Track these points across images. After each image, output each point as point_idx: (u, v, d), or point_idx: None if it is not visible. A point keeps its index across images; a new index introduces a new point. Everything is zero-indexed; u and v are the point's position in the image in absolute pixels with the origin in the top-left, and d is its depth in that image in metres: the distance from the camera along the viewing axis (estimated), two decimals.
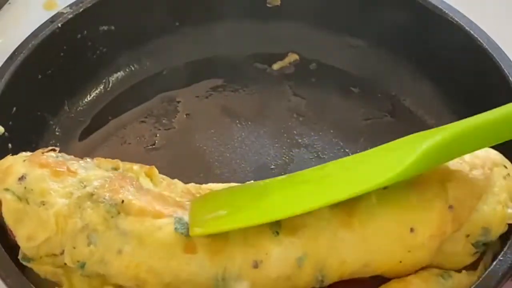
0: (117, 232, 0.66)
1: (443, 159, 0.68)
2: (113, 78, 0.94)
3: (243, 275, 0.66)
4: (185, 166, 0.84)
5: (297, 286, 0.68)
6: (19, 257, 0.69)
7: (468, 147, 0.67)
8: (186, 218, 0.67)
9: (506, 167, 0.71)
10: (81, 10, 0.88)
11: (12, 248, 0.70)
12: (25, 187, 0.68)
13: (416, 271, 0.69)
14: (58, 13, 0.87)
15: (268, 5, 0.95)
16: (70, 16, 0.87)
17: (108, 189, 0.68)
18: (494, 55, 0.81)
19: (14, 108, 0.82)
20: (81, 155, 0.81)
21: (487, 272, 0.66)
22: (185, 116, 0.91)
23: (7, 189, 0.69)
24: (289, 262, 0.67)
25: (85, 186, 0.69)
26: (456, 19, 0.85)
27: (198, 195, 0.71)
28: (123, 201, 0.67)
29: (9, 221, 0.68)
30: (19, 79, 0.82)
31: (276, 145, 0.87)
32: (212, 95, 0.93)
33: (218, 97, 0.92)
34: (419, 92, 0.91)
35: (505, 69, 0.79)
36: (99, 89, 0.93)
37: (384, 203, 0.68)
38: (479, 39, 0.83)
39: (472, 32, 0.83)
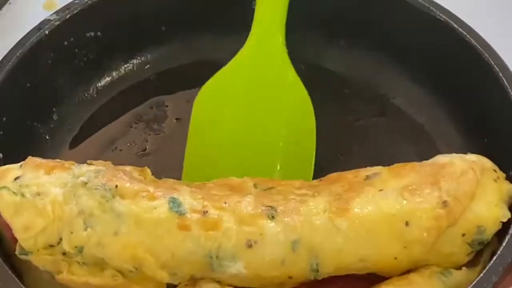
0: (113, 214, 0.67)
1: None
2: (101, 85, 0.93)
3: (238, 254, 0.67)
4: (176, 170, 0.84)
5: (292, 273, 0.68)
6: (16, 252, 0.69)
7: None
8: (180, 198, 0.68)
9: (495, 171, 0.73)
10: (68, 16, 0.87)
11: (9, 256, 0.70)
12: (20, 184, 0.69)
13: (415, 270, 0.70)
14: (45, 20, 0.86)
15: (254, 7, 0.95)
16: (57, 23, 0.86)
17: (101, 178, 0.69)
18: (484, 52, 0.81)
19: (4, 118, 0.81)
20: None
21: (486, 269, 0.67)
22: (175, 120, 0.91)
23: (3, 187, 0.70)
24: (283, 244, 0.67)
25: (78, 177, 0.70)
26: (445, 17, 0.85)
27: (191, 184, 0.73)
28: (117, 185, 0.68)
29: (6, 214, 0.69)
30: (8, 88, 0.81)
31: None
32: None
33: None
34: (409, 90, 0.91)
35: (495, 66, 0.80)
36: (87, 96, 0.92)
37: (380, 199, 0.69)
38: (468, 36, 0.83)
39: (461, 30, 0.83)
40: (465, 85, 0.85)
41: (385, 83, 0.92)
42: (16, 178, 0.70)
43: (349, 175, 0.74)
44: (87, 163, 0.73)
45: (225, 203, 0.69)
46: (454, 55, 0.85)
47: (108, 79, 0.94)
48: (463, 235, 0.69)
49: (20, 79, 0.83)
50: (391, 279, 0.70)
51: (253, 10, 0.94)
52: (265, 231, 0.67)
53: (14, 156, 0.80)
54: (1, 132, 0.80)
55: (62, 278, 0.69)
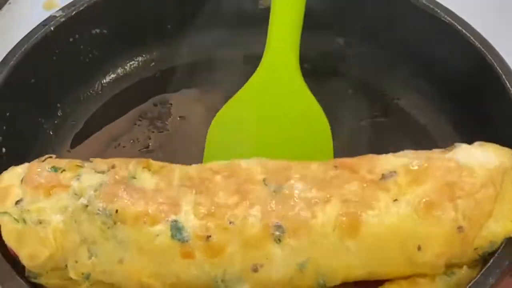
0: (116, 242, 0.67)
1: None
2: (106, 81, 0.94)
3: (244, 277, 0.66)
4: None
5: (299, 287, 0.68)
6: (26, 274, 0.69)
7: None
8: (181, 220, 0.67)
9: None
10: (73, 13, 0.87)
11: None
12: (21, 210, 0.69)
13: None
14: (50, 16, 0.87)
15: (260, 7, 0.95)
16: (62, 20, 0.87)
17: (102, 198, 0.68)
18: (488, 54, 0.81)
19: (8, 113, 0.81)
20: (76, 159, 0.81)
21: (482, 271, 0.67)
22: (178, 118, 0.91)
23: (4, 213, 0.69)
24: (290, 266, 0.67)
25: (79, 198, 0.69)
26: (449, 19, 0.85)
27: (197, 179, 0.70)
28: (117, 210, 0.67)
29: (10, 242, 0.69)
30: (12, 84, 0.82)
31: None
32: (206, 98, 0.93)
33: (211, 99, 0.92)
34: (412, 92, 0.91)
35: (498, 68, 0.80)
36: (92, 93, 0.93)
37: (393, 215, 0.67)
38: (472, 38, 0.83)
39: (465, 32, 0.83)
40: (469, 87, 0.85)
41: (389, 84, 0.92)
42: (17, 202, 0.69)
43: (365, 166, 0.70)
44: (90, 161, 0.73)
45: (230, 222, 0.66)
46: (458, 57, 0.85)
47: (112, 76, 0.94)
48: (475, 249, 0.68)
49: (24, 74, 0.84)
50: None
51: (259, 10, 0.94)
52: (271, 256, 0.66)
53: (17, 151, 0.81)
54: (5, 127, 0.81)
55: None
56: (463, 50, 0.84)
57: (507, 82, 0.79)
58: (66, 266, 0.68)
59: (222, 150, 0.82)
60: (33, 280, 0.70)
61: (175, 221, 0.67)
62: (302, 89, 0.84)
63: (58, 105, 0.90)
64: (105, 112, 0.92)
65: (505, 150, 0.71)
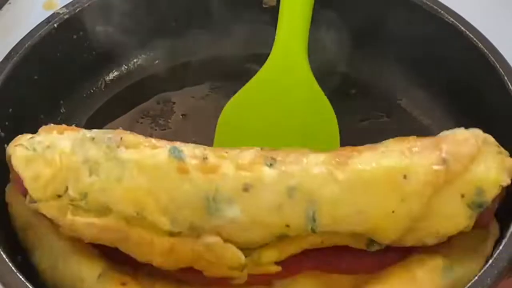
0: (117, 162, 0.70)
1: None
2: (108, 79, 0.94)
3: (234, 197, 0.68)
4: None
5: (289, 220, 0.68)
6: (26, 202, 0.71)
7: None
8: (181, 147, 0.70)
9: (498, 147, 0.72)
10: (77, 10, 0.88)
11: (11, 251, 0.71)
12: (33, 141, 0.73)
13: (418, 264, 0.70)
14: (54, 13, 0.87)
15: (264, 6, 0.95)
16: (66, 17, 0.87)
17: (109, 134, 0.72)
18: (490, 55, 0.81)
19: (10, 109, 0.82)
20: None
21: (481, 272, 0.67)
22: (181, 116, 0.91)
23: (19, 145, 0.73)
24: (280, 190, 0.68)
25: (87, 134, 0.73)
26: (452, 19, 0.85)
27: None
28: (121, 138, 0.71)
29: (18, 168, 0.71)
30: (15, 80, 0.82)
31: None
32: (208, 96, 0.93)
33: (214, 98, 0.92)
34: (415, 92, 0.91)
35: (500, 69, 0.80)
36: (95, 90, 0.93)
37: (381, 156, 0.70)
38: (474, 39, 0.83)
39: (467, 32, 0.84)
40: (471, 88, 0.85)
41: (392, 84, 0.92)
42: (30, 137, 0.73)
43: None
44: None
45: (226, 152, 0.70)
46: (461, 58, 0.85)
47: (116, 73, 0.95)
48: (462, 196, 0.69)
49: (27, 71, 0.84)
50: (394, 272, 0.70)
51: (263, 9, 0.94)
52: (262, 176, 0.68)
53: None
54: (7, 124, 0.81)
55: (67, 220, 0.70)
56: (466, 50, 0.84)
57: (509, 84, 0.79)
58: (66, 190, 0.70)
59: (232, 137, 0.85)
60: (32, 206, 0.70)
61: (174, 146, 0.70)
62: (309, 80, 0.86)
63: (61, 102, 0.90)
64: (108, 110, 0.92)
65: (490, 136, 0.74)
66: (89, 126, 0.89)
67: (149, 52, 0.96)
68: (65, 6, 0.88)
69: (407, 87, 0.92)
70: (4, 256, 0.69)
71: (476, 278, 0.66)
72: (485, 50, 0.82)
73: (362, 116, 0.91)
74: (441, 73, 0.88)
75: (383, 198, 0.68)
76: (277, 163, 0.69)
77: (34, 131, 0.84)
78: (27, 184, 0.71)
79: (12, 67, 0.82)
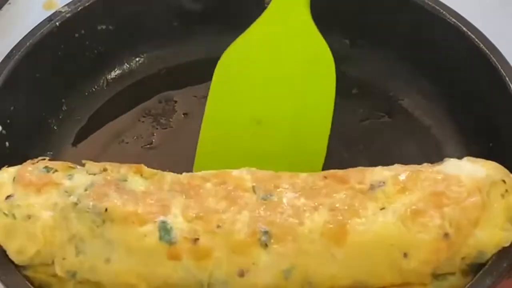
0: (104, 241, 0.67)
1: None
2: (110, 78, 0.94)
3: (229, 282, 0.67)
4: (181, 165, 0.84)
5: None
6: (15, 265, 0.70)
7: None
8: (169, 221, 0.67)
9: (505, 181, 0.70)
10: (79, 9, 0.88)
11: None
12: (11, 205, 0.69)
13: None
14: (56, 12, 0.87)
15: (266, 5, 0.95)
16: (68, 15, 0.87)
17: (92, 197, 0.68)
18: (491, 55, 0.81)
19: (12, 107, 0.82)
20: (79, 154, 0.82)
21: (480, 273, 0.67)
22: (182, 115, 0.91)
23: None
24: (275, 273, 0.67)
25: (69, 195, 0.69)
26: (453, 19, 0.85)
27: (188, 185, 0.71)
28: (106, 209, 0.67)
29: None
30: (17, 78, 0.82)
31: None
32: None
33: None
34: (416, 92, 0.91)
35: (501, 69, 0.80)
36: (97, 88, 0.93)
37: (379, 223, 0.67)
38: (475, 39, 0.83)
39: (469, 33, 0.83)
40: (473, 89, 0.85)
41: (393, 85, 0.92)
42: (7, 197, 0.70)
43: (354, 177, 0.71)
44: (84, 164, 0.73)
45: (218, 226, 0.67)
46: (463, 58, 0.85)
47: (118, 72, 0.95)
48: (463, 258, 0.68)
49: (29, 69, 0.84)
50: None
51: (264, 8, 0.94)
52: (257, 261, 0.67)
53: (21, 145, 0.81)
54: (9, 121, 0.81)
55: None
56: (467, 51, 0.83)
57: (510, 84, 0.78)
58: (53, 262, 0.68)
59: (229, 89, 0.83)
60: (22, 272, 0.69)
61: (164, 222, 0.67)
62: (309, 26, 0.83)
63: (63, 100, 0.90)
64: (109, 108, 0.92)
65: (494, 164, 0.72)
66: (91, 124, 0.90)
67: (151, 51, 0.96)
68: (67, 4, 0.88)
69: (408, 87, 0.91)
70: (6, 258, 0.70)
71: (476, 278, 0.66)
72: (487, 51, 0.81)
73: (363, 116, 0.90)
74: (443, 74, 0.88)
75: (382, 272, 0.67)
76: (271, 243, 0.66)
77: (34, 130, 0.86)
78: (12, 256, 0.69)
79: (14, 65, 0.82)
